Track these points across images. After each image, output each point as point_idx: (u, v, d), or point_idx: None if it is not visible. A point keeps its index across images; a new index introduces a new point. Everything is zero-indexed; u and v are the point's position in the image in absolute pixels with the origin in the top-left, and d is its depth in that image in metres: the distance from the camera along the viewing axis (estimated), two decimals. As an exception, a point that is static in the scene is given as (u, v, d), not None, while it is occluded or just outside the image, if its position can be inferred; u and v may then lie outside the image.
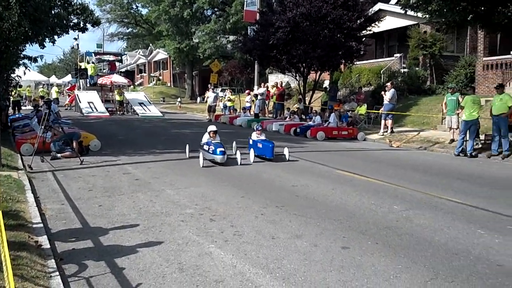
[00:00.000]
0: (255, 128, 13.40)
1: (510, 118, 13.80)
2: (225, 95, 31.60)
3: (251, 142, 12.93)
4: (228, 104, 29.13)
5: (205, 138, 11.97)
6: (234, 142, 13.38)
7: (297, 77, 25.77)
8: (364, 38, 24.13)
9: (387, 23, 25.91)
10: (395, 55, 27.53)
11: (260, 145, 12.42)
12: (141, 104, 31.31)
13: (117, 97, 31.16)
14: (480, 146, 14.71)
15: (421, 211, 7.33)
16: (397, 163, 12.66)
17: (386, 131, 18.72)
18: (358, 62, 26.53)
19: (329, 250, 5.50)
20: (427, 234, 6.17)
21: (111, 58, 38.96)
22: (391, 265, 5.05)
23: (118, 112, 30.75)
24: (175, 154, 13.22)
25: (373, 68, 26.82)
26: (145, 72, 70.19)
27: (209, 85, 29.40)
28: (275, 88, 27.61)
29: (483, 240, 5.93)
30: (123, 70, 54.91)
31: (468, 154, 13.84)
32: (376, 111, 20.63)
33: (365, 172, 10.69)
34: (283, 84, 29.48)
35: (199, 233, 6.11)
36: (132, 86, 38.64)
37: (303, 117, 22.88)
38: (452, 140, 15.60)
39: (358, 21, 22.69)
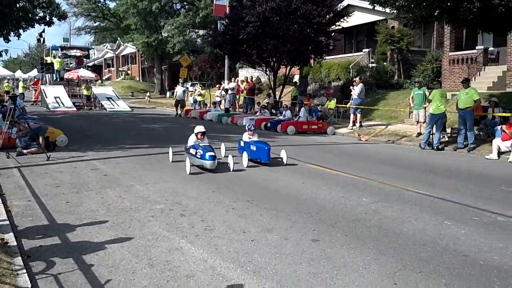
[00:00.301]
0: (247, 128, 11.77)
1: (476, 111, 14.15)
2: (195, 89, 31.42)
3: (242, 143, 11.55)
4: (198, 98, 28.97)
5: (192, 140, 10.43)
6: (223, 144, 12.19)
7: (267, 72, 25.84)
8: (333, 33, 24.34)
9: (356, 18, 26.15)
10: (363, 50, 27.84)
11: (253, 148, 10.93)
12: (109, 99, 30.87)
13: (85, 92, 30.66)
14: (446, 139, 15.03)
15: (389, 204, 7.44)
16: (365, 157, 12.83)
17: (355, 125, 18.94)
18: (327, 57, 26.74)
19: (300, 243, 5.53)
20: (395, 226, 6.27)
21: (78, 53, 38.26)
22: (360, 257, 5.12)
23: (86, 107, 30.29)
24: (144, 149, 13.07)
25: (342, 63, 27.09)
26: (113, 67, 69.19)
27: (180, 80, 29.19)
28: (245, 83, 27.59)
29: (449, 231, 6.06)
30: (90, 64, 53.98)
31: (435, 147, 14.12)
32: (345, 106, 20.84)
33: (334, 166, 10.79)
34: (254, 79, 29.50)
35: (169, 228, 6.06)
36: (99, 81, 38.02)
37: (274, 111, 22.94)
38: (419, 134, 15.89)
39: (327, 16, 22.86)
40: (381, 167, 11.00)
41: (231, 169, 9.84)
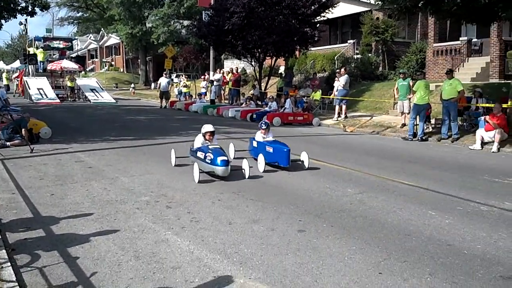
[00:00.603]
0: (259, 126, 10.17)
1: (459, 102, 14.28)
2: (180, 81, 31.25)
3: (255, 144, 10.07)
4: (184, 90, 28.84)
5: (199, 141, 9.02)
6: (232, 145, 10.82)
7: (253, 63, 25.76)
8: (318, 24, 24.30)
9: (341, 9, 26.18)
10: (348, 41, 27.89)
11: (269, 149, 9.45)
12: (93, 90, 30.63)
13: (68, 83, 30.37)
14: (430, 130, 15.16)
15: (374, 194, 7.50)
16: (351, 148, 12.90)
17: (340, 116, 19.00)
18: (312, 48, 26.74)
19: (286, 234, 5.55)
20: (380, 216, 6.32)
21: (61, 45, 37.83)
22: (345, 247, 5.16)
23: (69, 99, 30.03)
24: (129, 141, 12.99)
25: (327, 54, 27.10)
26: (96, 58, 68.38)
27: (164, 71, 29.01)
28: (230, 74, 27.51)
29: (434, 221, 6.13)
30: (73, 55, 53.34)
31: (419, 138, 14.23)
32: (329, 97, 20.88)
33: (320, 157, 10.82)
34: (239, 70, 29.43)
35: (155, 220, 6.05)
36: (83, 72, 37.61)
37: (259, 103, 22.92)
38: (404, 125, 16.00)
39: (312, 7, 22.83)
40: (366, 158, 11.07)
41: (246, 176, 8.46)
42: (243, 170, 8.55)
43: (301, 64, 28.48)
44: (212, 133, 9.00)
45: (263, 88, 25.57)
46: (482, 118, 13.19)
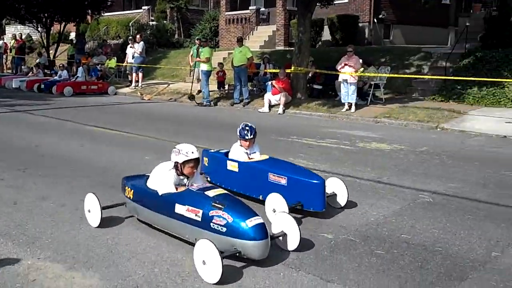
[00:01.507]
0: (240, 133, 5.74)
1: (249, 68, 15.17)
2: None
3: (232, 166, 5.89)
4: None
5: (167, 178, 4.64)
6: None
7: (39, 29, 23.77)
8: (109, -12, 23.34)
9: (133, -26, 25.48)
10: (143, 7, 27.39)
11: (280, 181, 5.30)
12: None
13: None
14: (224, 95, 15.86)
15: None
16: (148, 115, 12.86)
17: (138, 84, 18.69)
18: (105, 14, 25.69)
19: (79, 208, 5.27)
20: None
21: None
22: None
23: None
24: None
25: (122, 20, 26.34)
26: None
27: None
28: (14, 41, 24.98)
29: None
30: None
31: (210, 103, 14.91)
32: (124, 64, 20.29)
33: (116, 126, 10.59)
34: (23, 37, 26.85)
35: None
36: None
37: (48, 71, 21.27)
38: (199, 91, 16.42)
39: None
40: (162, 125, 11.16)
41: (291, 248, 4.24)
42: (280, 238, 4.32)
43: (93, 30, 27.15)
44: (196, 162, 4.74)
45: (51, 56, 23.77)
46: (269, 83, 14.23)
